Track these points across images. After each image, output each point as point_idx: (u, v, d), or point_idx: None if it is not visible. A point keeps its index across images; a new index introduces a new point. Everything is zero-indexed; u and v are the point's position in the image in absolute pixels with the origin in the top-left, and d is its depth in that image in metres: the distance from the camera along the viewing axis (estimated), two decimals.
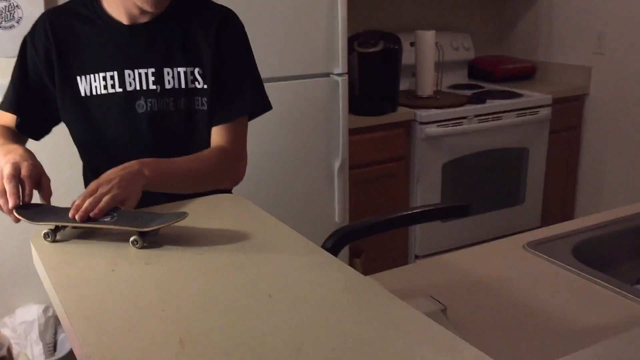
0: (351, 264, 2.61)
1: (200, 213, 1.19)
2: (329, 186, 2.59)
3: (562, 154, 3.45)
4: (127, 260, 1.01)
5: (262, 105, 1.50)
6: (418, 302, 1.01)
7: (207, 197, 1.31)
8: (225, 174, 1.42)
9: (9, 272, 2.08)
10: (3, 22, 1.86)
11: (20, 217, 1.11)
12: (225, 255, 1.02)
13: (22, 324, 2.00)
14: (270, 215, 1.20)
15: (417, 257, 3.02)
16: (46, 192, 1.19)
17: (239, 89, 1.43)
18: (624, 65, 3.24)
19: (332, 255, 1.00)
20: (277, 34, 2.33)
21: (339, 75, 2.51)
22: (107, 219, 1.09)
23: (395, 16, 3.41)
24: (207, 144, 1.43)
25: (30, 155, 1.23)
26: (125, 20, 1.37)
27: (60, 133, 1.47)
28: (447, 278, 1.31)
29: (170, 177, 1.28)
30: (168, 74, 1.38)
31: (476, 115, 3.03)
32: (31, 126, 1.44)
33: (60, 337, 2.04)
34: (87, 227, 1.10)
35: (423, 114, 2.91)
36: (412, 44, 3.18)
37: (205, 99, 1.40)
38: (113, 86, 1.37)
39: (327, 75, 2.51)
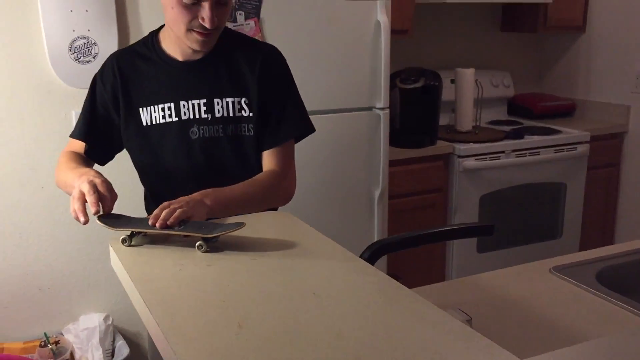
0: None
1: (253, 226, 1.35)
2: (369, 213, 2.73)
3: (600, 189, 3.51)
4: (192, 262, 1.17)
5: (306, 128, 1.66)
6: (446, 312, 1.13)
7: (259, 213, 1.48)
8: (278, 194, 1.58)
9: (74, 284, 2.27)
10: (82, 57, 2.08)
11: (102, 224, 1.29)
12: (275, 260, 1.17)
13: (85, 330, 2.18)
14: (313, 228, 1.35)
15: None
16: (112, 205, 1.36)
17: (284, 116, 1.60)
18: None
19: (368, 263, 1.14)
20: (324, 70, 2.51)
21: (380, 109, 2.67)
22: (177, 227, 1.26)
23: (437, 55, 3.57)
24: (252, 166, 1.59)
25: (101, 174, 1.41)
26: (180, 58, 1.56)
27: (122, 159, 1.66)
28: (476, 295, 1.42)
29: (229, 203, 1.45)
30: (218, 103, 1.55)
31: (514, 150, 3.14)
32: (98, 152, 1.62)
33: (118, 343, 2.20)
34: (162, 233, 1.27)
35: (461, 147, 3.03)
36: (452, 81, 3.33)
37: (251, 126, 1.56)
38: (170, 116, 1.55)
39: (370, 109, 2.67)
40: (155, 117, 1.55)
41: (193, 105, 1.54)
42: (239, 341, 0.88)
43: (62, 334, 2.22)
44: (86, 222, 1.32)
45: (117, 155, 1.67)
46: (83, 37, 2.07)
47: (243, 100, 1.56)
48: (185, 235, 1.26)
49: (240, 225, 1.27)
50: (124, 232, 1.27)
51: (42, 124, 2.13)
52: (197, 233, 1.23)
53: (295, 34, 2.43)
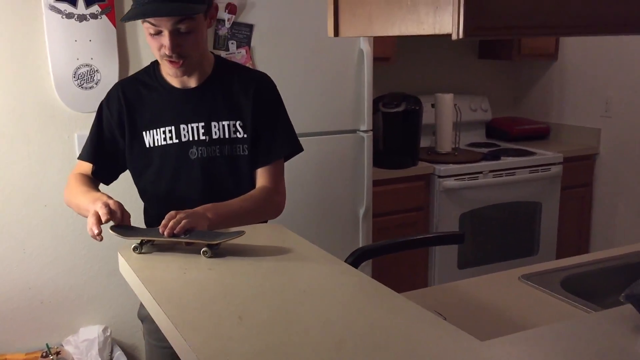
0: None
1: (250, 236, 1.49)
2: (354, 231, 2.88)
3: (574, 208, 3.69)
4: (195, 266, 1.31)
5: (295, 148, 1.81)
6: (419, 306, 1.28)
7: (255, 225, 1.62)
8: (270, 208, 1.73)
9: (74, 297, 2.39)
10: (85, 84, 2.23)
11: (114, 233, 1.42)
12: (269, 264, 1.32)
13: (84, 341, 2.29)
14: (303, 238, 1.49)
15: None
16: (127, 223, 1.50)
17: (275, 137, 1.75)
18: (630, 128, 3.51)
19: (351, 266, 1.29)
20: (312, 95, 2.67)
21: (364, 131, 2.83)
22: (183, 236, 1.40)
23: (418, 80, 3.76)
24: (246, 183, 1.73)
25: (112, 197, 1.54)
26: (178, 85, 1.71)
27: (124, 180, 1.79)
28: (452, 300, 1.56)
29: (228, 216, 1.59)
30: (215, 126, 1.70)
31: (491, 171, 3.31)
32: (103, 173, 1.75)
33: (116, 354, 2.32)
34: (169, 241, 1.41)
35: (441, 168, 3.20)
36: (432, 105, 3.51)
37: (246, 146, 1.71)
38: (171, 138, 1.69)
39: (354, 131, 2.83)
40: (157, 139, 1.69)
41: (192, 128, 1.68)
42: (240, 329, 1.02)
43: (62, 346, 2.33)
44: (100, 235, 1.44)
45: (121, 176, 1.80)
46: (86, 65, 2.22)
47: (238, 123, 1.70)
48: (188, 243, 1.41)
49: (241, 233, 1.41)
50: (134, 241, 1.41)
51: (47, 146, 2.26)
52: (203, 240, 1.38)
53: (284, 61, 2.59)
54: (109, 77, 2.26)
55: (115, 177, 1.80)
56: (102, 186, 1.74)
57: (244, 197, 1.68)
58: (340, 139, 2.80)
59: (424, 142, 3.48)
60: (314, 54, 2.67)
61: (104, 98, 1.77)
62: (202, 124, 1.68)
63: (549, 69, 3.98)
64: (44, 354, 2.22)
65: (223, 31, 2.51)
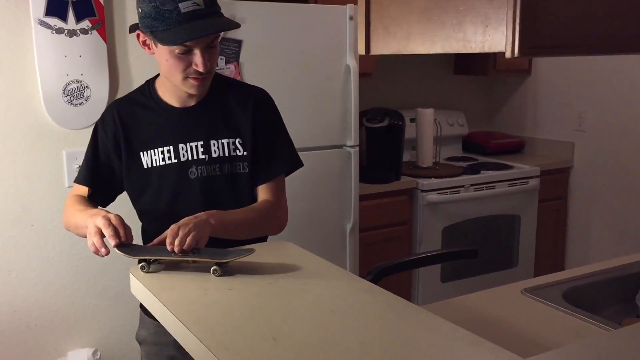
0: None
1: (260, 253, 1.47)
2: (341, 246, 2.87)
3: (551, 221, 3.76)
4: (214, 286, 1.28)
5: (295, 164, 1.79)
6: (452, 323, 1.27)
7: (262, 243, 1.60)
8: (273, 221, 1.71)
9: (62, 319, 2.31)
10: (74, 100, 2.17)
11: (121, 253, 1.39)
12: (289, 283, 1.30)
13: None
14: (314, 255, 1.48)
15: None
16: (129, 236, 1.46)
17: (276, 153, 1.73)
18: (602, 141, 3.61)
19: (373, 284, 1.28)
20: (299, 111, 2.67)
21: (351, 147, 2.84)
22: (191, 254, 1.38)
23: (398, 95, 3.80)
24: (247, 201, 1.70)
25: (110, 212, 1.50)
26: (176, 104, 1.67)
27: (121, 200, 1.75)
28: (456, 316, 1.53)
29: (230, 225, 1.56)
30: (214, 145, 1.67)
31: (472, 185, 3.35)
32: (100, 196, 1.71)
33: None
34: (178, 260, 1.38)
35: (424, 182, 3.23)
36: (412, 120, 3.54)
37: (246, 164, 1.68)
38: (170, 158, 1.65)
39: (341, 147, 2.83)
40: (156, 159, 1.65)
41: (191, 147, 1.65)
42: (278, 351, 1.00)
43: None
44: (107, 253, 1.41)
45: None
46: (76, 81, 2.17)
47: (237, 140, 1.67)
48: (194, 261, 1.38)
49: (250, 251, 1.39)
50: (143, 259, 1.37)
51: (34, 164, 2.19)
52: (213, 259, 1.35)
53: (272, 77, 2.59)
54: (99, 93, 2.21)
55: (112, 199, 1.75)
56: None
57: (248, 209, 1.66)
58: (327, 154, 2.80)
59: (405, 157, 3.51)
60: (301, 69, 2.67)
61: (99, 119, 1.73)
62: (201, 142, 1.66)
63: (523, 84, 4.06)
64: None
65: None
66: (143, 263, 1.38)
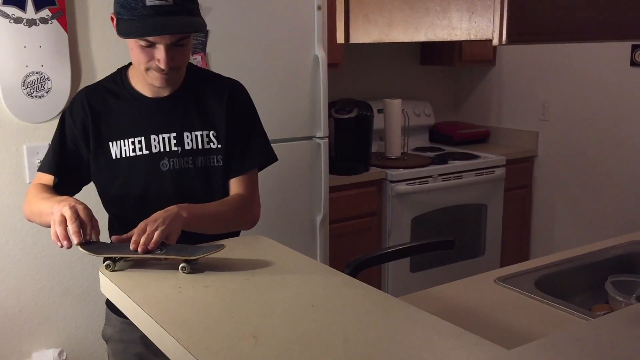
0: None
1: (234, 248, 1.44)
2: (311, 238, 2.85)
3: (516, 209, 3.81)
4: (189, 284, 1.24)
5: (269, 157, 1.76)
6: (433, 316, 1.26)
7: (234, 238, 1.56)
8: (246, 216, 1.67)
9: (24, 319, 2.23)
10: (35, 92, 2.09)
11: (85, 252, 1.33)
12: (267, 278, 1.27)
13: None
14: (290, 248, 1.45)
15: None
16: (96, 231, 1.40)
17: (249, 146, 1.70)
18: (566, 130, 3.66)
19: (353, 278, 1.26)
20: (267, 102, 2.62)
21: (320, 138, 2.81)
22: (159, 251, 1.33)
23: (365, 86, 3.78)
24: (220, 195, 1.66)
25: (80, 201, 1.44)
26: (148, 94, 1.63)
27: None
28: (432, 306, 1.53)
29: (203, 218, 1.53)
30: (187, 137, 1.63)
31: (440, 175, 3.36)
32: (66, 186, 1.64)
33: None
34: (145, 258, 1.33)
35: (393, 173, 3.22)
36: (379, 111, 3.53)
37: (220, 157, 1.65)
38: (141, 149, 1.60)
39: (310, 138, 2.80)
40: (125, 150, 1.60)
41: (163, 138, 1.61)
42: (259, 350, 0.97)
43: None
44: (69, 247, 1.35)
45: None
46: (36, 73, 2.09)
47: (211, 133, 1.64)
48: (165, 259, 1.33)
49: (220, 247, 1.35)
50: (108, 258, 1.32)
51: None
52: (181, 256, 1.31)
53: (240, 68, 2.53)
54: (61, 85, 2.14)
55: (78, 190, 1.69)
56: None
57: (221, 202, 1.62)
58: (296, 146, 2.77)
59: (373, 148, 3.49)
60: (269, 60, 2.63)
61: (67, 106, 1.66)
62: (174, 134, 1.61)
63: (488, 75, 4.09)
64: None
65: None
66: (109, 261, 1.33)
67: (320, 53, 2.74)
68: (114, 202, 1.66)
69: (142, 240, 1.33)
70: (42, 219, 1.51)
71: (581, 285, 1.84)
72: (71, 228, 1.34)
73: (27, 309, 2.23)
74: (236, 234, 1.72)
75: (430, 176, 3.33)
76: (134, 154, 1.60)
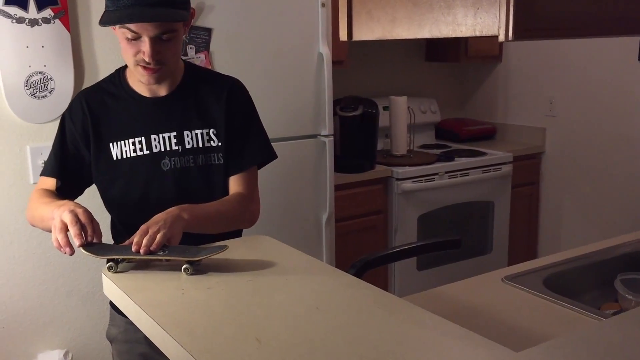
0: None
1: (237, 249, 1.42)
2: (317, 237, 2.83)
3: (524, 206, 3.78)
4: (192, 286, 1.23)
5: (268, 155, 1.75)
6: (440, 317, 1.24)
7: (238, 238, 1.54)
8: (245, 215, 1.66)
9: (29, 321, 2.22)
10: (37, 93, 2.08)
11: (88, 254, 1.32)
12: (270, 280, 1.25)
13: None
14: (294, 249, 1.43)
15: None
16: (98, 233, 1.39)
17: (249, 144, 1.69)
18: (573, 126, 3.63)
19: (358, 278, 1.24)
20: (272, 101, 2.61)
21: (325, 136, 2.79)
22: (161, 253, 1.32)
23: (370, 83, 3.76)
24: (221, 193, 1.66)
25: (80, 205, 1.43)
26: (147, 94, 1.62)
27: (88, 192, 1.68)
28: (439, 306, 1.53)
29: (204, 219, 1.52)
30: (187, 135, 1.62)
31: (446, 172, 3.34)
32: (68, 189, 1.63)
33: None
34: (147, 259, 1.32)
35: (399, 171, 3.20)
36: (384, 108, 3.51)
37: (221, 154, 1.64)
38: (141, 149, 1.60)
39: (315, 136, 2.78)
40: (126, 151, 1.59)
41: (164, 138, 1.60)
42: (262, 353, 0.95)
43: None
44: (72, 253, 1.34)
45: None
46: (39, 73, 2.08)
47: (211, 131, 1.63)
48: (167, 260, 1.32)
49: (223, 248, 1.34)
50: (110, 259, 1.31)
51: None
52: (183, 257, 1.30)
53: (244, 66, 2.52)
54: (64, 85, 2.13)
55: (80, 192, 1.68)
56: None
57: (221, 201, 1.61)
58: (301, 145, 2.75)
59: (378, 145, 3.47)
60: (273, 58, 2.61)
61: (67, 109, 1.66)
62: (174, 133, 1.61)
63: (494, 71, 4.06)
64: None
65: None
66: (111, 263, 1.32)
67: (325, 50, 2.72)
68: (116, 202, 1.65)
69: (145, 242, 1.32)
70: (43, 224, 1.50)
71: (590, 284, 1.82)
72: (72, 231, 1.34)
73: (32, 310, 2.23)
74: (238, 232, 1.71)
75: (436, 173, 3.31)
76: (134, 154, 1.60)
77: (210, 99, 1.65)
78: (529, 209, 3.83)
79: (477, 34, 0.82)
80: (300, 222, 2.78)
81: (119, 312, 1.58)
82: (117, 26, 1.48)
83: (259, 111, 1.75)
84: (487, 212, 3.58)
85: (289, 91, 2.68)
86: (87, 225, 1.36)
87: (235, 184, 1.67)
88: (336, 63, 3.13)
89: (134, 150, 1.59)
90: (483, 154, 3.58)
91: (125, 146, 1.59)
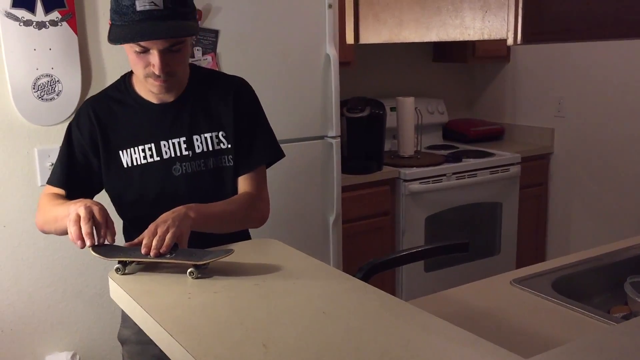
0: None
1: (244, 252, 1.42)
2: (324, 238, 2.82)
3: (532, 207, 3.76)
4: (198, 290, 1.22)
5: (276, 154, 1.75)
6: (447, 322, 1.23)
7: (244, 241, 1.54)
8: (253, 214, 1.66)
9: (37, 322, 2.23)
10: (45, 95, 2.08)
11: (96, 255, 1.32)
12: (277, 284, 1.25)
13: None
14: (300, 252, 1.43)
15: None
16: (112, 232, 1.39)
17: (256, 143, 1.68)
18: (582, 127, 3.61)
19: (365, 282, 1.23)
20: (279, 102, 2.61)
21: (332, 137, 2.78)
22: (168, 255, 1.32)
23: (377, 84, 3.75)
24: (232, 195, 1.66)
25: (98, 202, 1.43)
26: (154, 100, 1.62)
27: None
28: (447, 309, 1.52)
29: (211, 217, 1.52)
30: (197, 140, 1.62)
31: (454, 173, 3.32)
32: (76, 197, 1.59)
33: None
34: (154, 262, 1.32)
35: (406, 172, 3.19)
36: (392, 109, 3.50)
37: (231, 157, 1.64)
38: (151, 156, 1.60)
39: (322, 137, 2.78)
40: (136, 158, 1.59)
41: (173, 144, 1.60)
42: (269, 359, 0.95)
43: None
44: (83, 246, 1.34)
45: None
46: (47, 75, 2.08)
47: (220, 133, 1.63)
48: (175, 263, 1.32)
49: (229, 252, 1.33)
50: (118, 261, 1.31)
51: (4, 162, 2.11)
52: (190, 260, 1.29)
53: (251, 67, 2.52)
54: (71, 87, 2.13)
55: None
56: None
57: (228, 201, 1.61)
58: (308, 146, 2.74)
59: (386, 146, 3.46)
60: (280, 59, 2.61)
61: (73, 119, 1.66)
62: (184, 138, 1.61)
63: (502, 71, 4.04)
64: None
65: None
66: (119, 265, 1.31)
67: (332, 52, 2.71)
68: (128, 209, 1.65)
69: (154, 244, 1.32)
70: (57, 224, 1.50)
71: (599, 286, 1.80)
72: (83, 229, 1.33)
73: (40, 311, 2.23)
74: (245, 234, 1.71)
75: (444, 174, 3.29)
76: (145, 161, 1.60)
77: (218, 101, 1.64)
78: (537, 210, 3.80)
79: (486, 37, 0.81)
80: (308, 223, 2.77)
81: None
82: None
83: (266, 112, 1.74)
84: (495, 213, 3.57)
85: (296, 93, 2.67)
86: (101, 224, 1.35)
87: (243, 183, 1.67)
88: (343, 64, 3.12)
89: (144, 157, 1.59)
90: (491, 154, 3.56)
91: (135, 153, 1.59)
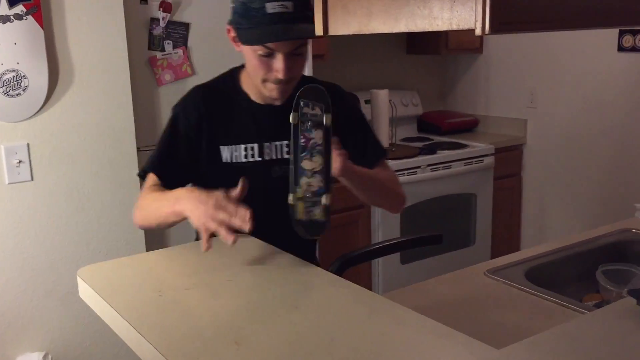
0: None
1: (216, 248, 1.39)
2: None
3: (506, 198, 3.79)
4: (169, 287, 1.20)
5: (384, 152, 1.78)
6: (422, 315, 1.22)
7: (216, 237, 1.52)
8: (398, 188, 1.72)
9: (7, 323, 2.18)
10: (11, 91, 2.03)
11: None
12: (250, 279, 1.23)
13: None
14: (276, 248, 1.41)
15: None
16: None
17: (367, 144, 1.71)
18: (554, 117, 3.64)
19: (339, 276, 1.23)
20: None
21: None
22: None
23: (350, 77, 3.74)
24: None
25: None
26: (261, 101, 1.60)
27: None
28: (423, 301, 1.53)
29: (362, 175, 1.56)
30: None
31: (429, 165, 3.33)
32: (171, 185, 1.56)
33: None
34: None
35: None
36: (366, 102, 3.49)
37: None
38: (253, 155, 1.60)
39: None
40: (237, 155, 1.59)
41: (276, 146, 1.61)
42: (241, 357, 0.93)
43: None
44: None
45: None
46: (12, 70, 2.03)
47: None
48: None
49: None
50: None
51: None
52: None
53: (222, 61, 2.46)
54: (38, 82, 2.08)
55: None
56: None
57: (379, 169, 1.67)
58: None
59: None
60: None
61: (178, 106, 1.63)
62: (287, 142, 1.60)
63: (475, 63, 4.06)
64: None
65: (158, 31, 2.38)
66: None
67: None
68: None
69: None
70: (159, 212, 1.47)
71: (572, 275, 1.82)
72: (240, 216, 1.30)
73: (10, 312, 2.19)
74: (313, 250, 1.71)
75: (419, 167, 3.30)
76: (245, 159, 1.60)
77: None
78: (511, 200, 3.84)
79: (454, 27, 0.80)
80: None
81: None
82: None
83: None
84: (470, 204, 3.59)
85: None
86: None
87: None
88: (316, 57, 3.11)
89: (245, 156, 1.59)
90: (465, 146, 3.58)
91: (236, 151, 1.59)
